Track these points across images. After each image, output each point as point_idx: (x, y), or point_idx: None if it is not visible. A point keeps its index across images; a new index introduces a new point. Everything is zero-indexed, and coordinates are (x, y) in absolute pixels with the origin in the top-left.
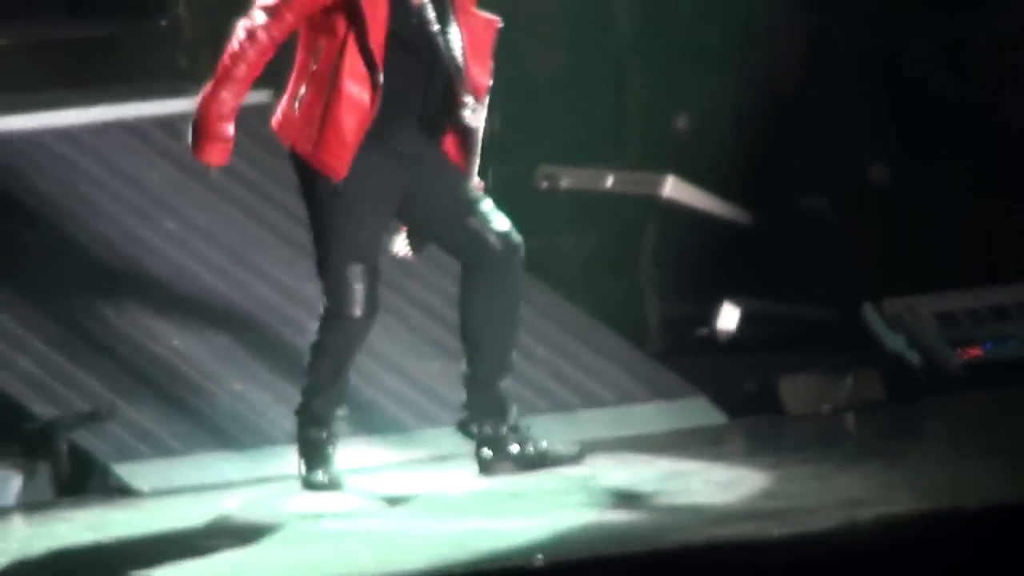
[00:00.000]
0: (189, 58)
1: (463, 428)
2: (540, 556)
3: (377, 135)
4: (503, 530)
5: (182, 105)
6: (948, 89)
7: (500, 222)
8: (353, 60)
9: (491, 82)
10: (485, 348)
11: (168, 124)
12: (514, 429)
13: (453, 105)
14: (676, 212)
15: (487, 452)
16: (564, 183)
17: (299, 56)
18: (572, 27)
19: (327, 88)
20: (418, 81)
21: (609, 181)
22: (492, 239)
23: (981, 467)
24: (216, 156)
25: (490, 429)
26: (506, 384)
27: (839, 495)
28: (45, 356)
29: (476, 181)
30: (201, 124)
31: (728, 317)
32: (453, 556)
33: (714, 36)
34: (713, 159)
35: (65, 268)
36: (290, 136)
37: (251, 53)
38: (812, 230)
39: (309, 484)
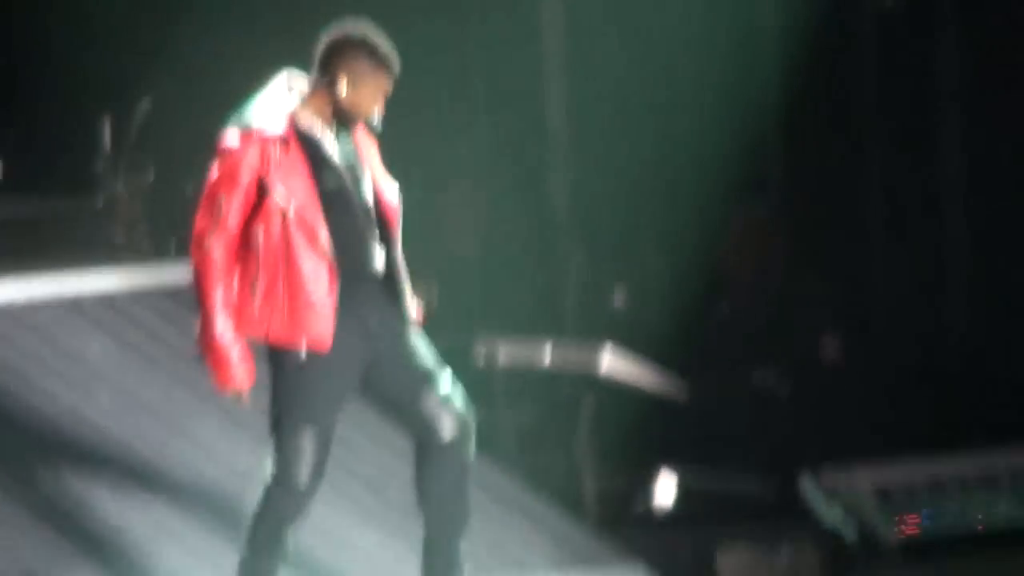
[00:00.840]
0: (126, 234)
1: None
2: None
3: (343, 303)
4: None
5: (119, 280)
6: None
7: (455, 400)
8: (297, 235)
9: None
10: (440, 521)
11: (106, 299)
12: None
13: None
14: (613, 385)
15: None
16: (502, 359)
17: (240, 254)
18: (508, 202)
19: (281, 270)
20: (364, 235)
21: (546, 356)
22: (446, 422)
23: None
24: (243, 379)
25: None
26: (461, 551)
27: None
28: None
29: (414, 311)
30: (214, 358)
31: (665, 489)
32: None
33: (653, 213)
34: (651, 333)
35: (3, 441)
36: (259, 330)
37: (216, 274)
38: (752, 402)
39: None
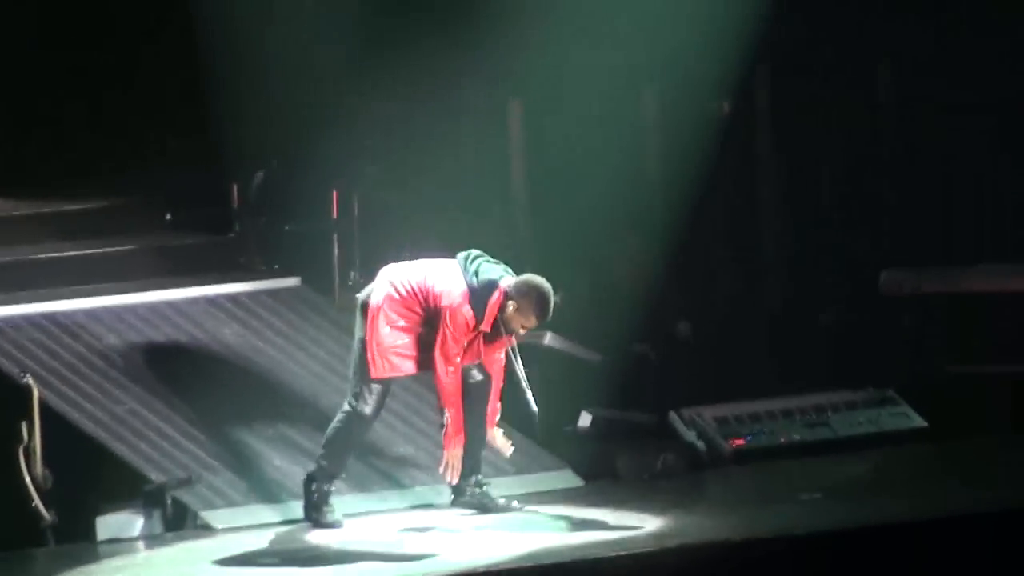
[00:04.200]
0: (246, 258)
1: (453, 486)
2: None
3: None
4: (458, 559)
5: (243, 287)
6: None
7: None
8: None
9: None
10: (469, 440)
11: (234, 298)
12: (479, 486)
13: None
14: (554, 353)
15: (466, 499)
16: None
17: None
18: (494, 244)
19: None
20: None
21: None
22: (475, 374)
23: (743, 515)
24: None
25: (467, 485)
26: (478, 459)
27: (655, 529)
28: (157, 442)
29: None
30: (453, 442)
31: (584, 420)
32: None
33: (580, 247)
34: (576, 321)
35: (169, 383)
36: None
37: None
38: (640, 365)
39: (318, 524)
